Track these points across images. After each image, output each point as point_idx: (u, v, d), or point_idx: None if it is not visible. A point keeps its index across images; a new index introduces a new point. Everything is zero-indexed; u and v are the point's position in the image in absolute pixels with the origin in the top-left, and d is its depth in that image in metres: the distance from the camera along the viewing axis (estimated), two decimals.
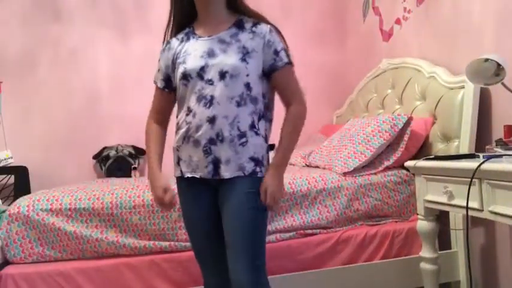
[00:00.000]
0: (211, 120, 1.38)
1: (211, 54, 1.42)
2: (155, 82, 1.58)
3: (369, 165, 2.27)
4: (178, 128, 1.48)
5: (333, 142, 2.53)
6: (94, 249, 1.88)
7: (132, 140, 3.26)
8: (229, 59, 1.40)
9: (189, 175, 1.45)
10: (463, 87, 2.13)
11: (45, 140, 3.15)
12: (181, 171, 1.48)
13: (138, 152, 3.23)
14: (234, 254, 1.37)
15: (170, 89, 1.54)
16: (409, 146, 2.25)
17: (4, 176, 2.97)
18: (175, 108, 1.56)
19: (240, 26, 1.47)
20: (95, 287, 1.83)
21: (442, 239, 2.06)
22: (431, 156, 1.85)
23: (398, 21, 2.87)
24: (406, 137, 2.23)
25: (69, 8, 3.23)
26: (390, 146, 2.29)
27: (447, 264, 2.01)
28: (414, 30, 2.70)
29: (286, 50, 1.47)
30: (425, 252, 1.85)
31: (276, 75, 1.45)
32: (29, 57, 3.16)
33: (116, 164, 3.10)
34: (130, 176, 3.10)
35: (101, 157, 3.15)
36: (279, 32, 1.48)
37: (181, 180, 1.50)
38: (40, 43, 3.18)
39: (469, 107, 2.07)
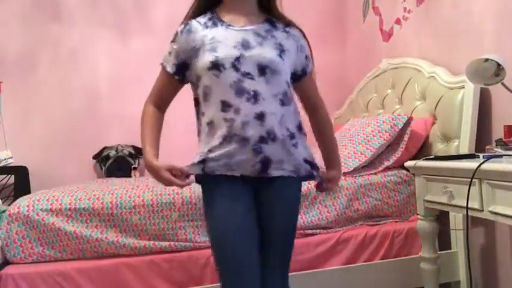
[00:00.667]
0: (260, 116, 1.27)
1: (245, 45, 1.31)
2: (163, 65, 1.41)
3: (369, 165, 2.27)
4: (210, 127, 1.31)
5: None
6: (94, 249, 1.88)
7: (132, 140, 3.26)
8: (267, 53, 1.32)
9: (221, 173, 1.29)
10: (463, 87, 2.13)
11: (45, 140, 3.15)
12: (203, 169, 1.30)
13: (138, 152, 3.23)
14: (274, 255, 1.35)
15: (180, 77, 1.39)
16: (409, 146, 2.25)
17: (4, 176, 2.97)
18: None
19: (272, 23, 1.41)
20: (95, 287, 1.83)
21: (442, 239, 2.06)
22: (431, 156, 1.85)
23: (398, 21, 2.87)
24: (406, 137, 2.23)
25: (69, 8, 3.23)
26: (390, 146, 2.29)
27: (447, 264, 2.01)
28: (414, 30, 2.69)
29: (312, 57, 1.49)
30: (425, 252, 1.85)
31: (305, 79, 1.47)
32: (29, 57, 3.16)
33: (116, 164, 3.10)
34: (130, 176, 3.10)
35: (101, 157, 3.15)
36: (306, 39, 1.47)
37: (206, 177, 1.32)
38: (40, 43, 3.18)
39: (469, 107, 2.07)
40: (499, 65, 1.64)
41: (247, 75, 1.29)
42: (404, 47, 2.80)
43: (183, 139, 3.24)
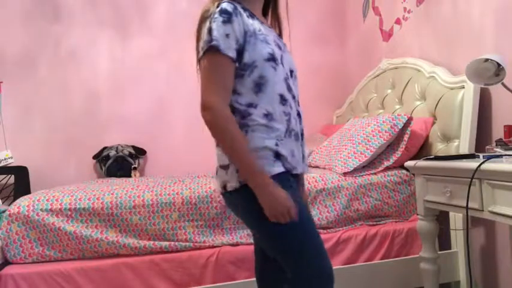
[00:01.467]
0: (299, 114, 1.34)
1: (279, 46, 1.32)
2: (223, 51, 1.17)
3: (369, 165, 2.27)
4: (269, 119, 1.23)
5: (333, 142, 2.53)
6: (94, 249, 1.88)
7: (132, 140, 3.26)
8: (291, 58, 1.37)
9: (293, 172, 1.27)
10: (463, 87, 2.13)
11: (45, 140, 3.15)
12: (284, 166, 1.25)
13: (138, 152, 3.23)
14: None
15: (238, 64, 1.23)
16: (409, 146, 2.25)
17: (4, 176, 2.97)
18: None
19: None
20: (95, 287, 1.83)
21: (442, 239, 2.06)
22: (431, 156, 1.85)
23: (398, 21, 2.87)
24: (406, 137, 2.23)
25: (69, 8, 3.23)
26: (390, 146, 2.29)
27: (447, 264, 2.01)
28: (414, 30, 2.70)
29: None
30: (425, 252, 1.85)
31: None
32: (29, 57, 3.16)
33: (115, 164, 3.10)
34: (130, 176, 3.10)
35: (101, 157, 3.15)
36: None
37: (287, 176, 1.26)
38: (40, 43, 3.18)
39: (469, 107, 2.07)
40: (499, 65, 1.64)
41: (289, 74, 1.32)
42: (404, 47, 2.80)
43: (184, 138, 3.27)
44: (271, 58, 1.23)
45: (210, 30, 1.18)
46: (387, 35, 3.00)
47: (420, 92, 2.45)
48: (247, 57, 1.21)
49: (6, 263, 1.86)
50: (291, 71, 1.35)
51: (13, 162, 3.04)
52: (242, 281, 1.88)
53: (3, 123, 3.08)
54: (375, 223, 2.16)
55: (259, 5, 1.37)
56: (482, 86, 1.79)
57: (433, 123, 2.30)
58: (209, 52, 1.18)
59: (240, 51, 1.21)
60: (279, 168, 1.22)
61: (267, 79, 1.23)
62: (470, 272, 1.65)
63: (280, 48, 1.32)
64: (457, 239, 2.06)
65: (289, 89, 1.30)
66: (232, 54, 1.19)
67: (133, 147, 3.22)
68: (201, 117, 1.19)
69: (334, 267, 1.97)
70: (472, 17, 2.18)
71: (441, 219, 1.89)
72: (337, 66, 3.63)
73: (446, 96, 2.22)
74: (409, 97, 2.55)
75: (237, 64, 1.21)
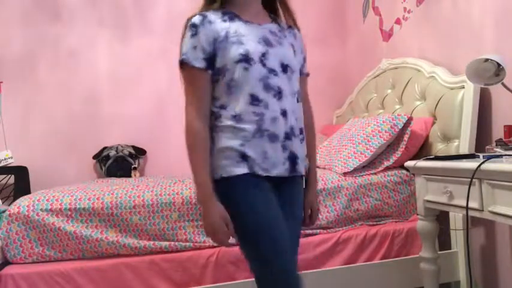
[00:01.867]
0: (284, 113, 1.29)
1: (268, 42, 1.31)
2: (190, 63, 1.27)
3: (369, 165, 2.27)
4: (237, 120, 1.27)
5: (333, 142, 2.53)
6: (94, 249, 1.88)
7: (132, 140, 3.26)
8: (287, 52, 1.34)
9: (263, 174, 1.27)
10: (463, 87, 2.13)
11: (45, 140, 3.15)
12: (249, 168, 1.26)
13: (138, 152, 3.23)
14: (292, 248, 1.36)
15: (212, 71, 1.29)
16: (409, 146, 2.25)
17: (4, 176, 2.97)
18: None
19: (277, 23, 1.40)
20: (94, 287, 1.83)
21: (442, 239, 2.06)
22: (431, 156, 1.85)
23: (398, 21, 2.87)
24: (406, 137, 2.23)
25: (69, 8, 3.23)
26: (390, 146, 2.29)
27: (447, 264, 2.00)
28: (414, 30, 2.70)
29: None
30: (425, 252, 1.85)
31: (301, 81, 1.44)
32: (29, 58, 3.16)
33: (115, 164, 3.10)
34: (130, 176, 3.10)
35: (101, 157, 3.15)
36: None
37: (250, 177, 1.27)
38: (40, 43, 3.18)
39: (469, 107, 2.07)
40: (499, 65, 1.64)
41: (272, 71, 1.29)
42: (404, 47, 2.80)
43: (183, 140, 3.26)
44: (243, 59, 1.26)
45: (181, 46, 1.31)
46: (387, 35, 3.00)
47: (420, 92, 2.45)
48: (218, 62, 1.28)
49: (6, 263, 1.86)
50: (285, 66, 1.32)
51: (13, 162, 3.04)
52: (242, 281, 1.88)
53: (3, 123, 3.08)
54: (375, 223, 2.16)
55: (252, 3, 1.36)
56: (482, 86, 1.79)
57: (433, 123, 2.30)
58: (181, 67, 1.30)
59: (212, 58, 1.28)
60: (241, 170, 1.25)
61: (237, 81, 1.27)
62: (470, 272, 1.65)
63: (269, 44, 1.31)
64: (457, 239, 2.06)
65: (268, 87, 1.28)
66: (200, 64, 1.27)
67: (134, 147, 3.22)
68: None
69: (334, 267, 2.00)
70: (472, 17, 2.18)
71: (441, 219, 1.89)
72: (337, 66, 3.63)
73: (446, 96, 2.22)
74: (409, 97, 2.55)
75: (210, 71, 1.29)
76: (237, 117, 1.27)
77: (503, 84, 1.67)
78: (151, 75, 3.31)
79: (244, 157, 1.26)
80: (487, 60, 1.67)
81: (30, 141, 3.13)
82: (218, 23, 1.29)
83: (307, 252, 2.00)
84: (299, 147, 1.34)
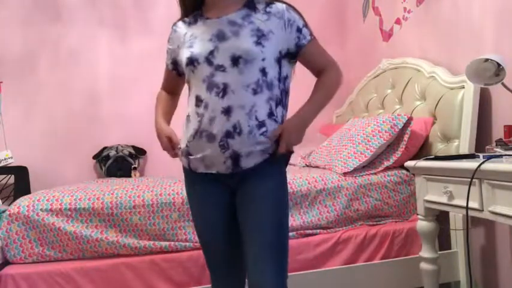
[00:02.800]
0: (227, 111, 1.26)
1: (221, 37, 1.31)
2: (166, 63, 1.54)
3: (369, 165, 2.27)
4: (187, 121, 1.36)
5: (333, 142, 2.53)
6: (94, 249, 1.88)
7: (132, 140, 3.26)
8: (242, 43, 1.29)
9: (203, 171, 1.34)
10: (463, 87, 2.13)
11: (45, 140, 3.15)
12: (189, 164, 1.37)
13: (138, 152, 3.23)
14: (260, 253, 1.27)
15: (179, 73, 1.49)
16: (409, 146, 2.25)
17: (4, 176, 2.97)
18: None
19: (251, 7, 1.36)
20: (94, 287, 1.83)
21: (442, 239, 2.06)
22: (431, 156, 1.85)
23: (398, 21, 2.87)
24: (406, 137, 2.23)
25: (69, 8, 3.23)
26: (390, 146, 2.29)
27: (447, 264, 2.01)
28: (414, 30, 2.70)
29: (307, 25, 1.42)
30: (425, 252, 1.85)
31: (304, 52, 1.39)
32: (29, 57, 3.16)
33: (115, 164, 3.10)
34: (130, 176, 3.10)
35: (101, 157, 3.15)
36: (295, 9, 1.41)
37: (189, 171, 1.39)
38: (40, 43, 3.18)
39: (469, 107, 2.07)
40: (499, 65, 1.63)
41: (219, 68, 1.29)
42: (404, 47, 2.80)
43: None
44: (189, 62, 1.34)
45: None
46: (387, 35, 3.00)
47: (420, 92, 2.45)
48: (180, 67, 1.44)
49: (6, 263, 1.86)
50: (236, 58, 1.28)
51: (13, 162, 3.04)
52: None
53: (3, 123, 3.08)
54: (375, 223, 2.16)
55: None
56: (482, 86, 1.79)
57: (433, 123, 2.30)
58: None
59: (178, 63, 1.46)
60: (184, 163, 1.41)
61: (189, 82, 1.39)
62: (470, 272, 1.65)
63: (221, 38, 1.31)
64: (457, 239, 2.07)
65: (211, 86, 1.28)
66: (169, 66, 1.51)
67: (133, 147, 3.22)
68: None
69: (334, 268, 2.00)
70: (472, 17, 2.18)
71: (441, 219, 1.89)
72: None
73: (446, 96, 2.22)
74: (409, 97, 2.54)
75: (174, 72, 1.51)
76: (187, 118, 1.37)
77: (503, 84, 1.67)
78: (152, 75, 3.28)
79: (187, 155, 1.37)
80: (487, 60, 1.67)
81: (30, 141, 3.13)
82: (182, 30, 1.44)
83: (307, 252, 2.00)
84: (247, 144, 1.28)
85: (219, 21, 1.34)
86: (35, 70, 3.17)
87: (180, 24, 1.46)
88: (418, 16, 2.64)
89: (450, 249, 2.09)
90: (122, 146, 3.18)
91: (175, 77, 1.51)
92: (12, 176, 2.98)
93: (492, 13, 2.04)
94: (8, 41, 3.13)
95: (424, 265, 1.86)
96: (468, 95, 2.08)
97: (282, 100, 1.37)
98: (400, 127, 2.21)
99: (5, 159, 3.02)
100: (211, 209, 1.39)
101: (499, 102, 2.03)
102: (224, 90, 1.27)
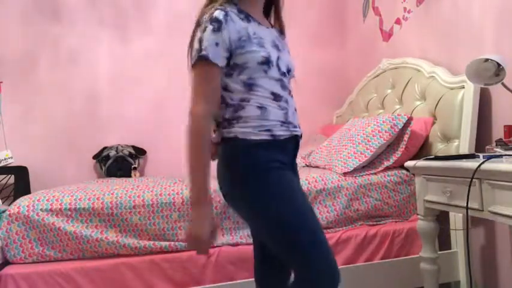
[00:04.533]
0: (295, 110, 1.37)
1: (277, 47, 1.32)
2: (211, 59, 1.20)
3: (369, 165, 2.27)
4: (263, 112, 1.25)
5: (333, 142, 2.53)
6: (94, 249, 1.88)
7: (132, 140, 3.26)
8: (290, 58, 1.38)
9: (288, 136, 1.31)
10: (463, 87, 2.13)
11: (45, 140, 3.15)
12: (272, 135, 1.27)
13: (138, 152, 3.23)
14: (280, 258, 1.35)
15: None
16: (409, 146, 2.25)
17: (4, 176, 2.97)
18: None
19: (276, 28, 1.43)
20: (94, 287, 1.83)
21: (442, 239, 2.06)
22: (431, 156, 1.85)
23: (398, 21, 2.87)
24: (406, 137, 2.23)
25: (69, 8, 3.23)
26: (390, 146, 2.29)
27: (447, 264, 2.01)
28: (414, 30, 2.70)
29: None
30: (425, 252, 1.85)
31: None
32: (29, 57, 3.16)
33: (115, 164, 3.10)
34: (130, 176, 3.09)
35: (101, 157, 3.15)
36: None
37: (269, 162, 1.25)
38: (40, 43, 3.18)
39: (469, 107, 2.07)
40: (499, 65, 1.64)
41: (283, 75, 1.32)
42: (404, 47, 2.80)
43: (183, 139, 3.26)
44: (265, 62, 1.25)
45: (200, 40, 1.22)
46: (387, 35, 3.00)
47: (420, 92, 2.45)
48: (238, 59, 1.24)
49: (6, 263, 1.86)
50: (288, 70, 1.35)
51: (13, 162, 3.04)
52: (242, 281, 1.88)
53: (3, 123, 3.08)
54: (375, 223, 2.16)
55: (259, 4, 1.37)
56: (482, 86, 1.79)
57: (433, 123, 2.30)
58: (199, 62, 1.21)
59: (231, 56, 1.24)
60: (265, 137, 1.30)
61: (256, 80, 1.25)
62: (470, 272, 1.65)
63: (278, 49, 1.32)
64: (457, 239, 2.07)
65: (284, 87, 1.32)
66: (221, 63, 1.22)
67: (133, 147, 3.22)
68: None
69: None
70: (472, 17, 2.18)
71: (441, 219, 1.89)
72: (337, 66, 3.63)
73: (446, 96, 2.22)
74: (409, 97, 2.55)
75: (225, 71, 1.25)
76: (262, 109, 1.26)
77: (503, 84, 1.67)
78: (151, 75, 3.31)
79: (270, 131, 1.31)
80: (487, 60, 1.67)
81: (30, 141, 3.12)
82: (238, 22, 1.25)
83: None
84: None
85: (270, 32, 1.35)
86: (34, 70, 3.17)
87: (233, 14, 1.25)
88: (418, 16, 2.64)
89: (450, 249, 2.09)
90: (122, 146, 3.18)
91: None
92: (12, 176, 2.98)
93: (492, 13, 2.04)
94: (8, 41, 3.13)
95: (424, 265, 1.86)
96: (468, 95, 2.08)
97: None
98: (400, 127, 2.21)
99: (5, 159, 3.02)
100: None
101: (499, 102, 2.03)
102: (290, 93, 1.35)
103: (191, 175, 1.20)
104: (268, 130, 1.26)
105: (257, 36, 1.26)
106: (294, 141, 1.34)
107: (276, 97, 1.29)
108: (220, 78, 1.25)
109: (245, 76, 1.25)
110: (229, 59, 1.24)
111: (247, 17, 1.29)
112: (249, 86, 1.26)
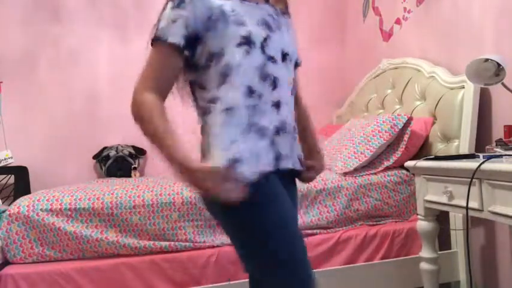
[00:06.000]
0: (277, 105, 1.14)
1: (267, 26, 1.14)
2: (163, 38, 1.08)
3: (369, 165, 2.27)
4: (228, 115, 1.10)
5: (333, 142, 2.53)
6: (94, 249, 1.88)
7: (132, 140, 3.26)
8: (287, 39, 1.18)
9: (291, 166, 1.18)
10: (463, 87, 2.13)
11: (45, 140, 3.15)
12: (276, 163, 1.14)
13: (138, 152, 3.23)
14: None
15: (190, 53, 1.10)
16: (409, 146, 2.25)
17: (4, 176, 2.97)
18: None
19: (272, 6, 1.22)
20: (94, 287, 1.83)
21: (442, 239, 2.06)
22: (431, 156, 1.85)
23: (398, 21, 2.87)
24: (406, 137, 2.23)
25: (69, 8, 3.24)
26: (390, 146, 2.29)
27: (447, 264, 2.01)
28: (414, 30, 2.70)
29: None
30: (425, 252, 1.85)
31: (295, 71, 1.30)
32: (29, 57, 3.16)
33: (115, 164, 3.10)
34: (130, 176, 3.10)
35: (101, 157, 3.15)
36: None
37: (272, 175, 1.13)
38: (40, 43, 3.18)
39: (469, 107, 2.07)
40: (499, 65, 1.64)
41: (271, 59, 1.13)
42: (404, 47, 2.80)
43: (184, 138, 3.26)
44: (245, 41, 1.08)
45: (158, 20, 1.12)
46: (387, 35, 3.00)
47: (420, 92, 2.45)
48: (213, 46, 1.09)
49: (6, 263, 1.86)
50: (285, 54, 1.17)
51: (13, 162, 3.04)
52: (242, 281, 1.88)
53: (3, 123, 3.08)
54: (375, 223, 2.16)
55: None
56: (482, 86, 1.79)
57: (433, 123, 2.30)
58: (153, 44, 1.12)
59: (198, 39, 1.09)
60: (269, 167, 1.17)
61: (232, 68, 1.09)
62: (470, 272, 1.65)
63: (269, 27, 1.14)
64: (457, 239, 2.07)
65: (264, 77, 1.12)
66: (177, 40, 1.07)
67: (133, 147, 3.22)
68: None
69: (334, 268, 2.00)
70: (472, 17, 2.18)
71: (441, 219, 1.89)
72: (337, 66, 3.63)
73: (446, 96, 2.22)
74: (409, 97, 2.55)
75: (186, 53, 1.09)
76: (228, 111, 1.10)
77: (503, 84, 1.67)
78: None
79: (277, 157, 1.19)
80: (487, 60, 1.67)
81: (30, 141, 3.13)
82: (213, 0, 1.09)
83: (307, 252, 1.99)
84: (288, 145, 1.18)
85: (258, 8, 1.16)
86: (35, 70, 3.17)
87: None
88: (418, 16, 2.64)
89: (450, 249, 2.09)
90: (122, 146, 3.18)
91: (180, 62, 1.11)
92: (12, 176, 2.98)
93: (492, 13, 2.04)
94: (8, 41, 3.13)
95: (424, 265, 1.86)
96: (468, 95, 2.08)
97: None
98: (400, 127, 2.21)
99: (5, 159, 3.02)
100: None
101: (499, 102, 2.03)
102: (274, 83, 1.13)
103: (156, 146, 1.11)
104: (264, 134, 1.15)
105: (236, 13, 1.10)
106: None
107: (249, 92, 1.11)
108: (177, 64, 1.10)
109: (219, 66, 1.10)
110: (193, 45, 1.10)
111: None
112: (221, 78, 1.11)
